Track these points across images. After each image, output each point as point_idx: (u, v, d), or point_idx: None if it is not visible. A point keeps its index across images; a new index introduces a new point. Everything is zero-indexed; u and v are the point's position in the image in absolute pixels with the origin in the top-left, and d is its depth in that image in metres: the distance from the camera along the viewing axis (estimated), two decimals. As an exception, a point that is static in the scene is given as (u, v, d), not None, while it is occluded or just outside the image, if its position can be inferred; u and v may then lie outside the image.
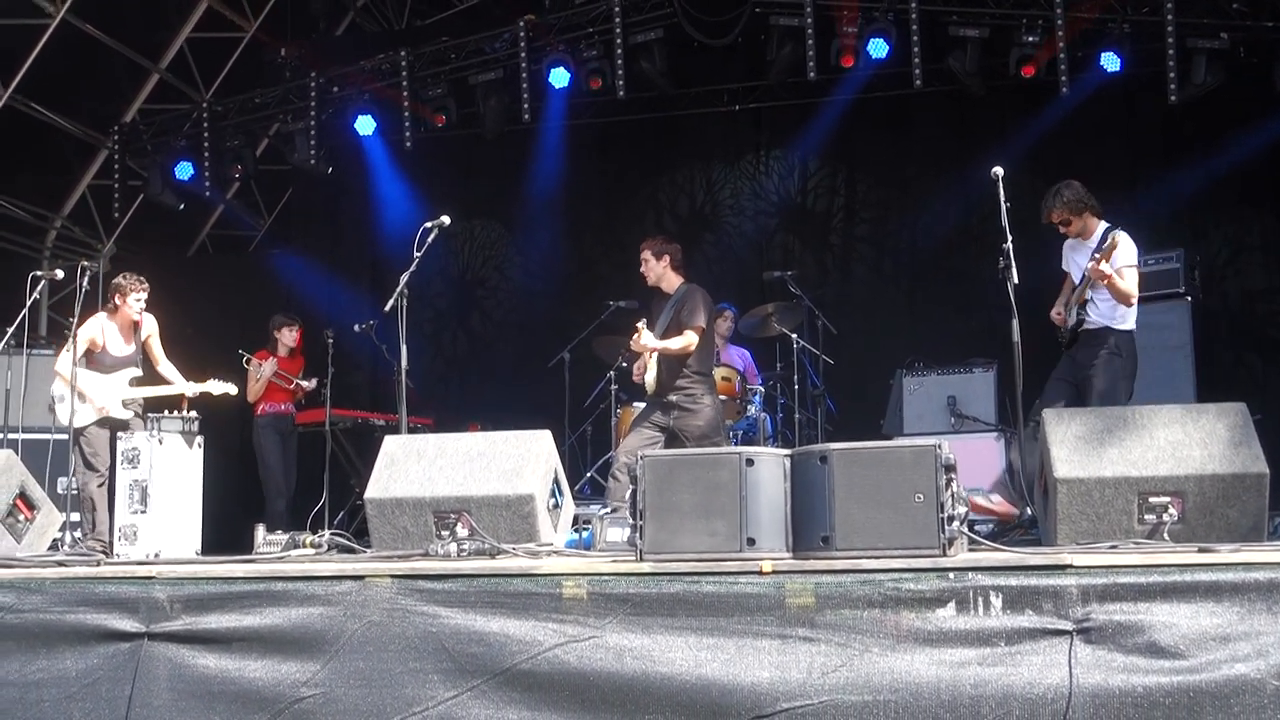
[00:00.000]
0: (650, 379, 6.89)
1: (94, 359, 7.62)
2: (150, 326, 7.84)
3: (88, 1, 10.29)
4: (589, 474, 9.20)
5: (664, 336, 6.90)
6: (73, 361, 7.19)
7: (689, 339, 6.79)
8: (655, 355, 6.85)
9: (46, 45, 10.29)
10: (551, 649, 3.89)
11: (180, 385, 7.71)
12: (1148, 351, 8.29)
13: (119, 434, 7.26)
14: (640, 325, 6.93)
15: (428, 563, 4.49)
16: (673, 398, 6.81)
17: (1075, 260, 6.63)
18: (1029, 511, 5.87)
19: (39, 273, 7.48)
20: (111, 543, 7.11)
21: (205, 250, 13.29)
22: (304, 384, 9.38)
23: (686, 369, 6.83)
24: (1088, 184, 6.94)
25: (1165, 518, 4.40)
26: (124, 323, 7.77)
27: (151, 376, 7.87)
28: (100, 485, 7.44)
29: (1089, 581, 3.55)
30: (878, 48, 9.48)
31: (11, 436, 7.72)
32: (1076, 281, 6.58)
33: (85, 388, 7.49)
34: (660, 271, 7.08)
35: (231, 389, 7.90)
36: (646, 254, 7.10)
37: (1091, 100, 9.54)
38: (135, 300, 7.70)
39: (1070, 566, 3.58)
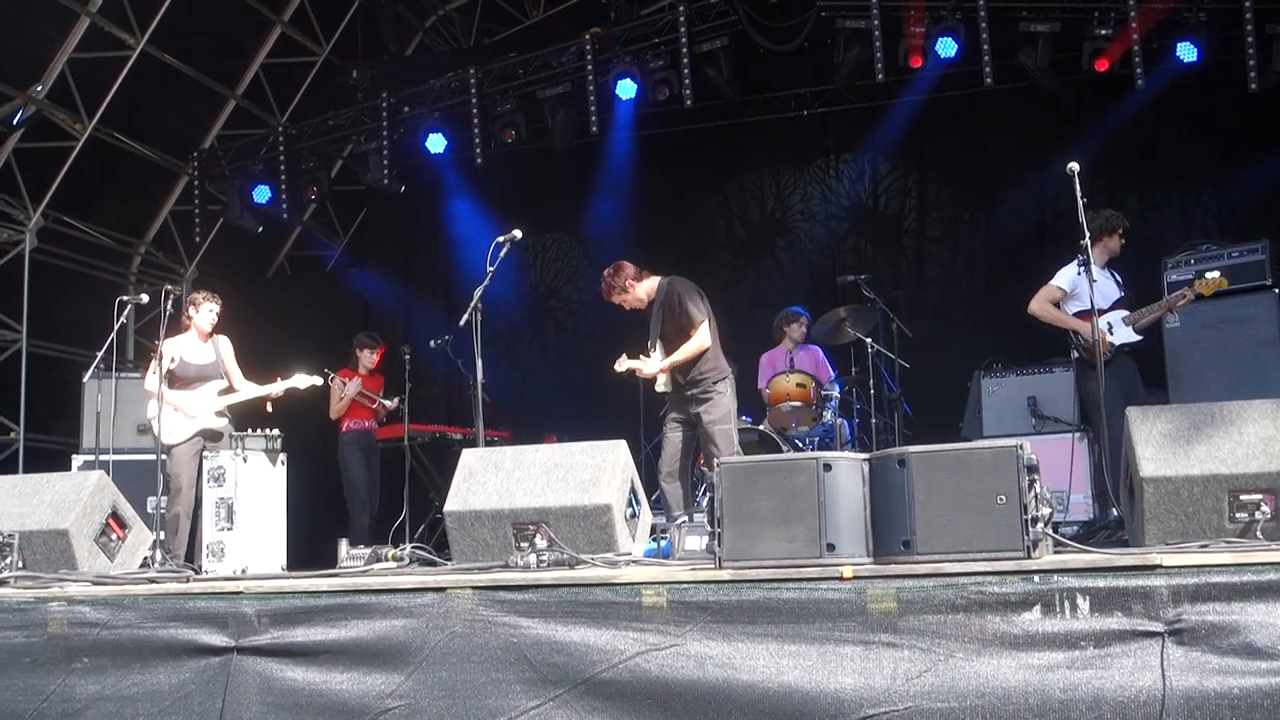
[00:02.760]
0: (663, 383, 6.90)
1: (176, 375, 7.67)
2: (225, 347, 7.95)
3: (166, 32, 10.55)
4: (665, 483, 9.17)
5: (664, 339, 6.88)
6: (159, 380, 7.34)
7: (699, 340, 6.74)
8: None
9: (127, 76, 10.57)
10: (632, 658, 3.89)
11: (266, 387, 7.83)
12: (1234, 346, 8.14)
13: (206, 452, 7.41)
14: (624, 364, 6.91)
15: (508, 574, 4.52)
16: (690, 391, 6.82)
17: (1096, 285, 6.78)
18: (1115, 512, 5.77)
19: (125, 297, 7.65)
20: (193, 557, 7.25)
21: (284, 271, 13.55)
22: (386, 403, 9.51)
23: (699, 361, 6.80)
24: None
25: (1258, 515, 4.27)
26: (198, 334, 7.88)
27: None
28: (179, 509, 7.52)
29: (1180, 582, 3.47)
30: (946, 47, 9.39)
31: (103, 458, 7.91)
32: (1105, 303, 6.85)
33: (179, 404, 7.62)
34: (639, 290, 7.02)
35: (317, 380, 7.99)
36: (617, 296, 7.02)
37: (1168, 91, 9.34)
38: (208, 310, 7.81)
39: (1160, 567, 3.50)
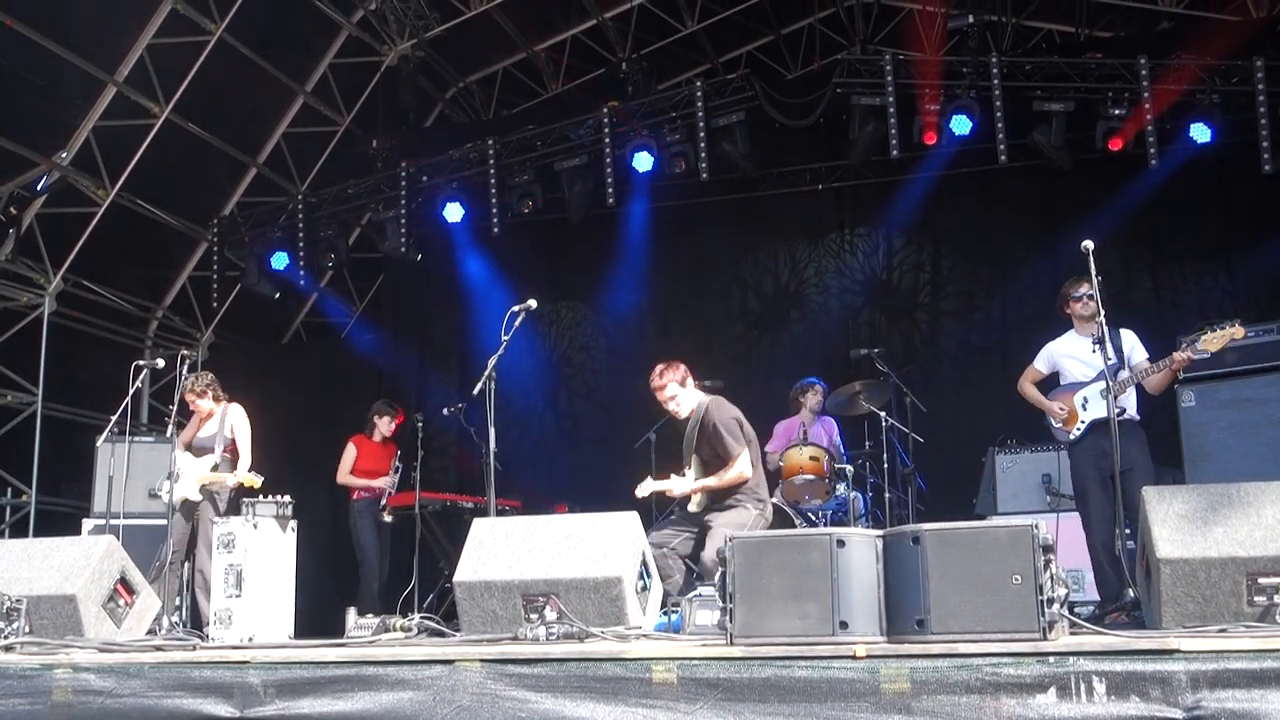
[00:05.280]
0: (696, 503, 6.61)
1: (193, 448, 8.03)
2: (233, 418, 8.05)
3: (190, 101, 10.71)
4: (677, 556, 9.11)
5: (701, 460, 6.59)
6: (173, 449, 7.42)
7: (739, 471, 6.41)
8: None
9: (151, 144, 10.71)
10: (641, 735, 3.83)
11: (233, 476, 7.83)
12: (1252, 427, 8.08)
13: (215, 519, 7.42)
14: (647, 487, 6.60)
15: (517, 647, 4.47)
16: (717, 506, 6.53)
17: (1074, 356, 6.83)
18: (1131, 594, 5.69)
19: (141, 362, 7.72)
20: (200, 624, 7.24)
21: (299, 337, 13.61)
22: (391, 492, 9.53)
23: (738, 490, 6.50)
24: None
25: (1277, 599, 4.21)
26: (202, 415, 8.11)
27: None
28: (161, 575, 7.54)
29: (1198, 667, 3.41)
30: (961, 124, 9.48)
31: (114, 522, 7.90)
32: (1079, 376, 6.79)
33: (184, 468, 7.80)
34: (680, 398, 6.68)
35: (257, 480, 7.82)
36: (669, 391, 6.62)
37: (1182, 172, 9.41)
38: (192, 398, 7.99)
39: (1178, 651, 3.45)
